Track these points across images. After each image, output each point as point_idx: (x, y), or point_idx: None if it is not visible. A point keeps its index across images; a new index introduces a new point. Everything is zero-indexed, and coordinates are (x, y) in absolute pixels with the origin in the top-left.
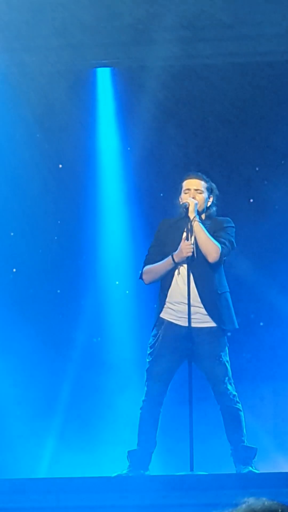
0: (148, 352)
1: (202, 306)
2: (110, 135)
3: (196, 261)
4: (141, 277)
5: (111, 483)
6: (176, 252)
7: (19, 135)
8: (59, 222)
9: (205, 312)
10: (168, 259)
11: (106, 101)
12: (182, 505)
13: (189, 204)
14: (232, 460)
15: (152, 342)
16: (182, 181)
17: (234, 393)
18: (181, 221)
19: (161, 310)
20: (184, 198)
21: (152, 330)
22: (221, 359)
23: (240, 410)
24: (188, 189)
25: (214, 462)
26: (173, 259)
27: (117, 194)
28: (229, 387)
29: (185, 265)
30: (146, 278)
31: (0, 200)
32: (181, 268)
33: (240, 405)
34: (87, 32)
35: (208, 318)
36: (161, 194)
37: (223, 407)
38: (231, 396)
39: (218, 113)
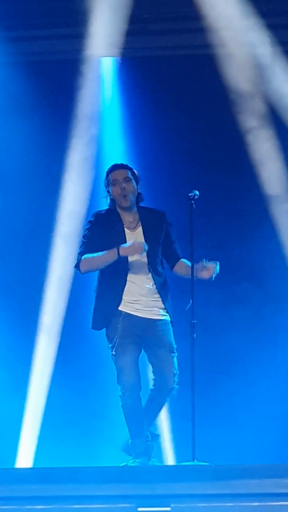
0: (110, 345)
1: (160, 299)
2: (113, 123)
3: (151, 256)
4: (77, 266)
5: (115, 473)
6: (125, 247)
7: (22, 122)
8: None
9: (163, 306)
10: (112, 252)
11: (110, 90)
12: (184, 496)
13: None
14: (234, 450)
15: (112, 335)
16: (108, 174)
17: (176, 386)
18: (114, 214)
19: (118, 304)
20: (114, 190)
21: (106, 322)
22: (174, 351)
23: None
24: (116, 180)
25: (216, 452)
26: (118, 253)
27: None
28: (176, 379)
29: (139, 260)
30: (84, 267)
31: (3, 187)
32: (134, 263)
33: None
34: (91, 22)
35: (164, 311)
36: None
37: (162, 394)
38: (175, 386)
39: (219, 101)
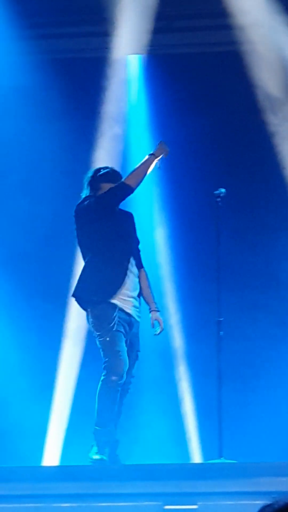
0: (99, 332)
1: (138, 299)
2: (139, 122)
3: (134, 254)
4: (125, 188)
5: (142, 471)
6: (156, 150)
7: (47, 119)
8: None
9: (139, 307)
10: (149, 158)
11: (136, 88)
12: (211, 494)
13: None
14: (262, 448)
15: (107, 323)
16: (105, 181)
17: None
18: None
19: (114, 297)
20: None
21: (99, 311)
22: (139, 355)
23: None
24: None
25: (244, 450)
26: (154, 155)
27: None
28: (133, 380)
29: (134, 262)
30: (133, 182)
31: (27, 172)
32: (130, 264)
33: None
34: (118, 19)
35: (139, 312)
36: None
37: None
38: (130, 389)
39: (246, 100)
